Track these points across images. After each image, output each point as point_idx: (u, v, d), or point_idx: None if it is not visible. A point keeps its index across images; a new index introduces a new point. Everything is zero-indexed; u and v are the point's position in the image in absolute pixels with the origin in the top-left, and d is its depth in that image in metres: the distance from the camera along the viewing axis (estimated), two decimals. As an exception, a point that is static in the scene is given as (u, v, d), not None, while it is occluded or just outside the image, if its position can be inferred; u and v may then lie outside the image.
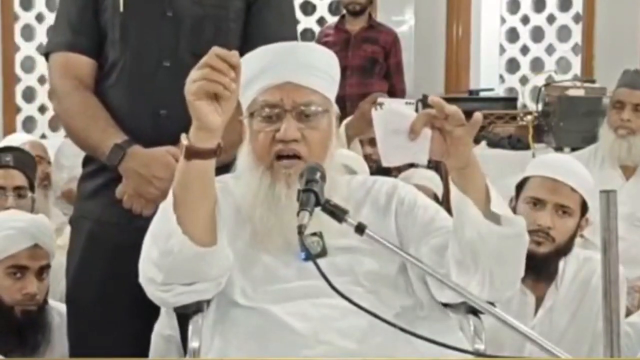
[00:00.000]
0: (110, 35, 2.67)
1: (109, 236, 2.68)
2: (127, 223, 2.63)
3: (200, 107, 2.08)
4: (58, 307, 3.15)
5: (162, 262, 2.15)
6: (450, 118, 2.08)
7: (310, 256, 2.02)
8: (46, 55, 2.76)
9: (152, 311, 2.74)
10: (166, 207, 2.15)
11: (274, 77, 2.26)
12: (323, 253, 2.26)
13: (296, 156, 2.25)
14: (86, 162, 2.79)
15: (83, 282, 2.73)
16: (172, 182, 2.52)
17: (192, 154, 2.11)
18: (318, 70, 2.30)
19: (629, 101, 4.25)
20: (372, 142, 4.05)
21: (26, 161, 3.91)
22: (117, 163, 2.59)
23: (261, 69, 2.26)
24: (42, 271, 3.08)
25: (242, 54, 2.53)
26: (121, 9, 2.65)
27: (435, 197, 4.17)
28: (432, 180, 4.34)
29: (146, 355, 2.79)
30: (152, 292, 2.22)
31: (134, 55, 2.66)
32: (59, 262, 3.07)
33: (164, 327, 2.94)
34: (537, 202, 2.98)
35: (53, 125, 6.97)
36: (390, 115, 2.12)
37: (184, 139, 2.12)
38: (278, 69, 2.26)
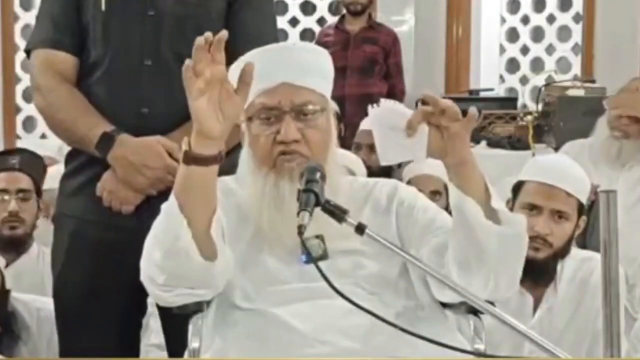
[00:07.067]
0: (91, 34, 2.68)
1: (92, 234, 2.69)
2: (109, 221, 2.64)
3: (199, 109, 2.03)
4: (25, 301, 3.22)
5: (164, 264, 2.13)
6: (446, 113, 2.08)
7: (311, 259, 2.02)
8: (27, 53, 2.76)
9: (138, 307, 2.77)
10: (171, 209, 2.10)
11: (269, 79, 2.24)
12: (324, 256, 2.24)
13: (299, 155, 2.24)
14: (68, 160, 2.79)
15: (68, 280, 2.74)
16: (162, 172, 2.54)
17: (191, 159, 2.07)
18: (312, 68, 2.30)
19: (628, 114, 4.20)
20: (372, 147, 4.02)
21: (33, 164, 3.88)
22: (107, 150, 2.59)
23: (256, 71, 2.20)
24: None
25: None
26: (103, 7, 2.65)
27: (445, 187, 4.15)
28: (443, 169, 4.29)
29: (134, 351, 2.80)
30: (152, 291, 2.22)
31: (116, 54, 2.66)
32: None
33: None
34: (533, 208, 2.97)
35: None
36: (387, 112, 2.12)
37: (184, 144, 2.09)
38: (273, 70, 2.25)
